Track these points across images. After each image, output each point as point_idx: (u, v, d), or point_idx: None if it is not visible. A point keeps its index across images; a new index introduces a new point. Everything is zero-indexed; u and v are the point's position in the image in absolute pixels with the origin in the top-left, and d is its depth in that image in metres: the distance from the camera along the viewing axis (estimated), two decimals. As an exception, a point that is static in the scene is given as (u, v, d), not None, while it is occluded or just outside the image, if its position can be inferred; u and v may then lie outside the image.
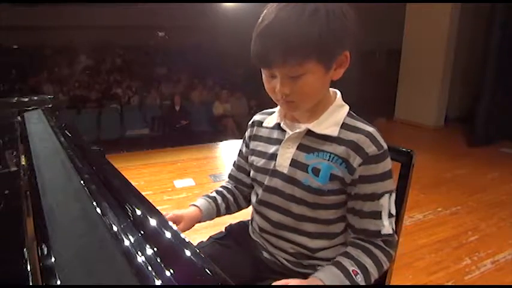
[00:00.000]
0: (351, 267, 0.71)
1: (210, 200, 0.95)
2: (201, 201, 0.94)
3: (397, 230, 0.93)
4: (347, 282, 0.69)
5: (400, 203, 0.93)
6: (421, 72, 5.12)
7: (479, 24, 4.68)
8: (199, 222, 0.92)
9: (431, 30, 4.91)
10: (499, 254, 2.05)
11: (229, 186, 1.01)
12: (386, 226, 0.75)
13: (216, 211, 0.95)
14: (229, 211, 0.99)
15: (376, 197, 0.74)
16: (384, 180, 0.75)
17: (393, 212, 0.76)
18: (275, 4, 0.70)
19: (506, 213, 2.55)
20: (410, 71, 5.35)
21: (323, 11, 0.66)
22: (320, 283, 0.67)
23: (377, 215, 0.75)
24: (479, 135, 4.24)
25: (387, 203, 0.75)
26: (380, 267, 0.74)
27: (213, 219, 0.96)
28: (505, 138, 4.34)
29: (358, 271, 0.71)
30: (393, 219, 0.77)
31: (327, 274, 0.70)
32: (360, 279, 0.70)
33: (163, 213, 0.69)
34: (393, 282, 1.00)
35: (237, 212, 1.02)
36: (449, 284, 1.81)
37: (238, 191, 1.00)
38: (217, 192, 0.99)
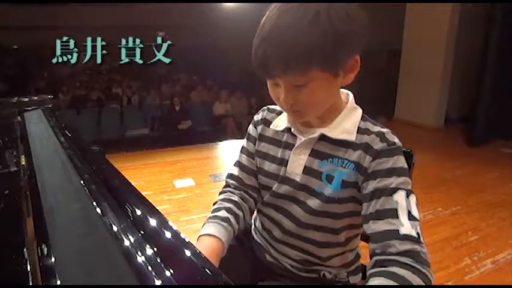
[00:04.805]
0: None
1: (224, 223, 0.78)
2: (217, 228, 0.76)
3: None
4: None
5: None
6: (421, 72, 5.12)
7: (479, 24, 4.68)
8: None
9: (431, 30, 4.91)
10: (499, 254, 2.05)
11: (237, 199, 0.86)
12: (406, 226, 0.63)
13: (233, 234, 0.81)
14: (240, 229, 0.86)
15: (389, 192, 0.66)
16: (397, 175, 0.67)
17: (416, 215, 0.65)
18: (277, 7, 0.66)
19: (506, 213, 2.55)
20: (410, 71, 5.35)
21: (325, 14, 0.61)
22: None
23: (392, 213, 0.64)
24: (479, 135, 4.24)
25: (404, 201, 0.65)
26: None
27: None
28: (505, 138, 4.35)
29: None
30: (418, 224, 0.65)
31: None
32: None
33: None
34: (393, 282, 0.99)
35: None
36: (449, 284, 1.81)
37: (244, 201, 0.87)
38: (227, 210, 0.82)
